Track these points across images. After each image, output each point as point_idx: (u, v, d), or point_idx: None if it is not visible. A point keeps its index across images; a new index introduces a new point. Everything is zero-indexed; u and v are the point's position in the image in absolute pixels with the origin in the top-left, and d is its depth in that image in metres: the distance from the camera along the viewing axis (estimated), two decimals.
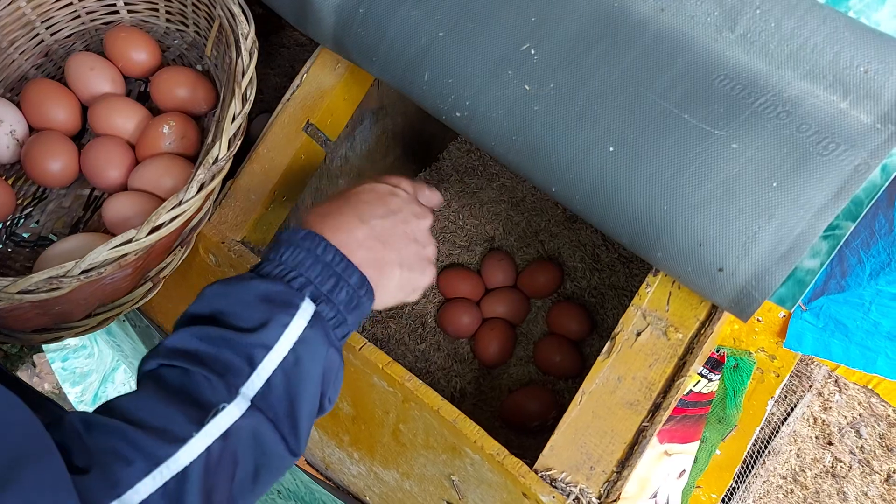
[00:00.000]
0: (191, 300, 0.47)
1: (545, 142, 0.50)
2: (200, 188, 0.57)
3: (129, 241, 0.53)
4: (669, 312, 0.54)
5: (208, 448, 0.42)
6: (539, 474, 0.53)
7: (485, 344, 0.84)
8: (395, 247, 0.53)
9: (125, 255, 0.54)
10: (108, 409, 0.43)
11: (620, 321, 0.55)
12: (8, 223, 0.72)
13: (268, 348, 0.45)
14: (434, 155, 0.98)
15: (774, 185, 0.44)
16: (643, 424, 0.53)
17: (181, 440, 0.41)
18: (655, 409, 0.53)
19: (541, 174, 0.52)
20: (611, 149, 0.48)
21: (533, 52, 0.51)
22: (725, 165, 0.45)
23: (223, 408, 0.43)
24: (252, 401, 0.44)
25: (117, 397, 0.44)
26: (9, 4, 0.72)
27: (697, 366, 0.56)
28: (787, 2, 0.48)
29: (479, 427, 0.56)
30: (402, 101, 0.59)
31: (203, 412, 0.43)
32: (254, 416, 0.44)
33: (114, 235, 0.54)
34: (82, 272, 0.52)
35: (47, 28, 0.76)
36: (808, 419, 0.83)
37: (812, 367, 0.86)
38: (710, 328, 0.54)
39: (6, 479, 0.34)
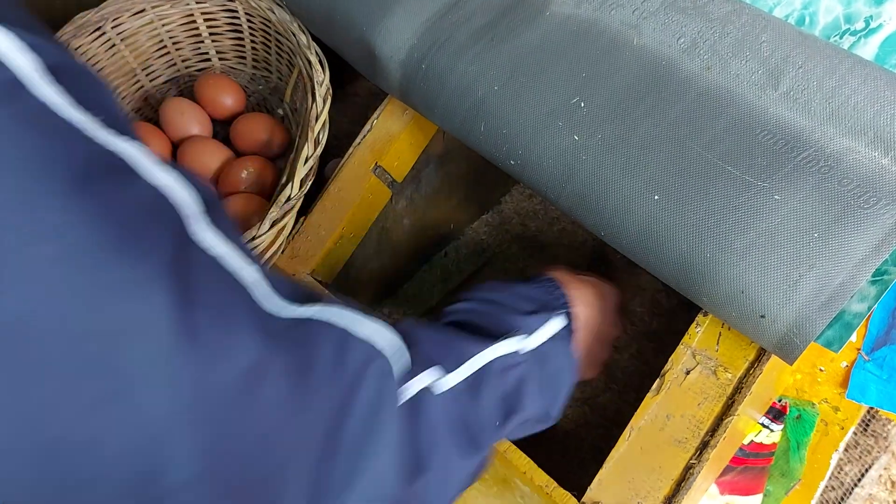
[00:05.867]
0: None
1: (593, 189, 0.52)
2: (272, 225, 0.61)
3: None
4: (719, 352, 0.55)
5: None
6: None
7: None
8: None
9: None
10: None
11: (670, 359, 0.56)
12: None
13: (531, 330, 0.53)
14: (496, 199, 1.01)
15: (816, 235, 0.46)
16: (691, 462, 0.54)
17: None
18: (703, 447, 0.54)
19: (590, 220, 0.54)
20: (656, 197, 0.50)
21: (582, 104, 0.54)
22: (768, 215, 0.47)
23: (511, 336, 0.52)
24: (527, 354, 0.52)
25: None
26: (114, 55, 0.79)
27: (746, 407, 0.57)
28: (829, 62, 0.50)
29: (528, 458, 0.57)
30: (466, 146, 0.62)
31: (493, 339, 0.51)
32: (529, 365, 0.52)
33: None
34: None
35: (147, 75, 0.83)
36: (885, 482, 0.81)
37: (889, 427, 0.83)
38: (759, 369, 0.54)
39: None
